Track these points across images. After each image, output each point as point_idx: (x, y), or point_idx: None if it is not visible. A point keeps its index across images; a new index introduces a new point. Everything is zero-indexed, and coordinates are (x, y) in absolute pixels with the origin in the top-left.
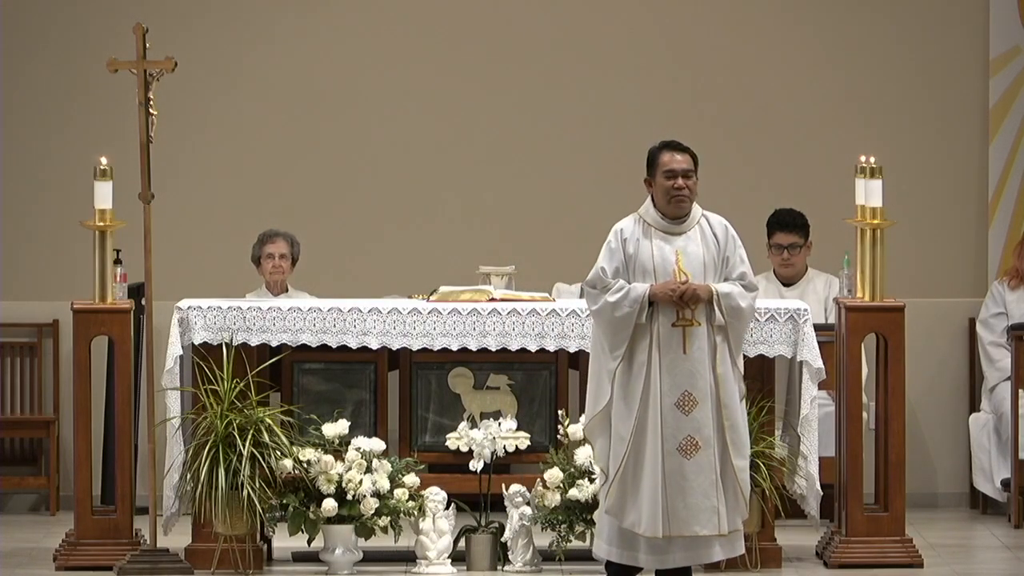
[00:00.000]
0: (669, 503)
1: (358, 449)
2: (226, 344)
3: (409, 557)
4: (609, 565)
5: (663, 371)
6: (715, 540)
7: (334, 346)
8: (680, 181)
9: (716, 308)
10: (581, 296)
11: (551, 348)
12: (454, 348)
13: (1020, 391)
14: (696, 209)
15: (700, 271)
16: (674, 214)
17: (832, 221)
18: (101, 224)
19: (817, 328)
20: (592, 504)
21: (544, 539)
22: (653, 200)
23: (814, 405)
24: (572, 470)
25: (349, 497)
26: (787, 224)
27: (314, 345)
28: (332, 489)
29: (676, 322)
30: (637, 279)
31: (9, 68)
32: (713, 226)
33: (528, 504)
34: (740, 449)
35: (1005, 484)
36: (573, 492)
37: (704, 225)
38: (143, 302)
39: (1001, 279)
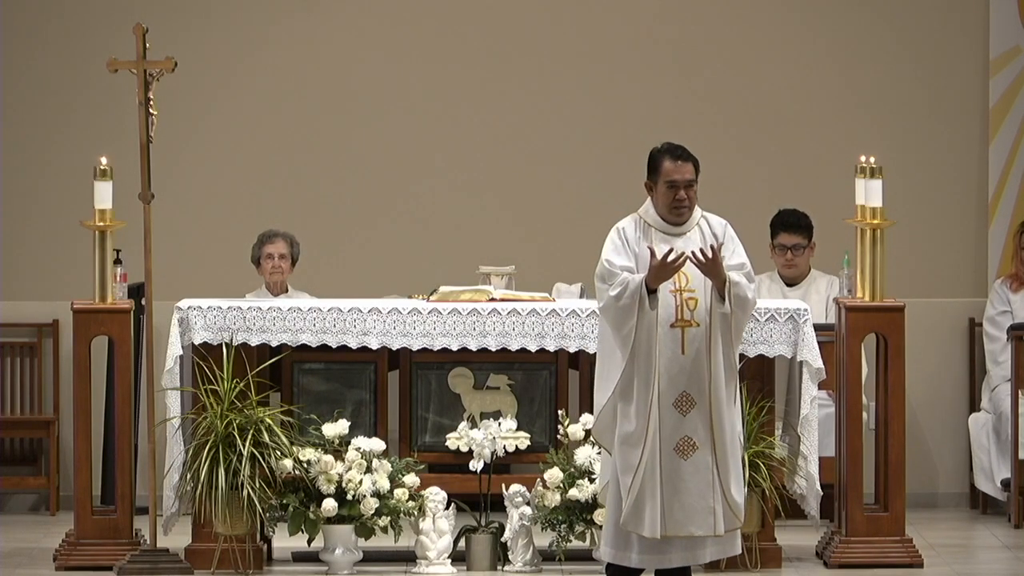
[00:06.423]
0: (666, 503)
1: (358, 449)
2: (226, 344)
3: (409, 557)
4: (608, 566)
5: (662, 372)
6: (709, 540)
7: (334, 346)
8: (682, 193)
9: (726, 297)
10: (582, 296)
11: (551, 348)
12: (454, 348)
13: (1020, 391)
14: (696, 210)
15: (698, 271)
16: (674, 222)
17: (832, 221)
18: (101, 224)
19: (818, 328)
20: (592, 504)
21: (544, 539)
22: (654, 203)
23: (814, 405)
24: (572, 470)
25: (349, 497)
26: (791, 225)
27: (314, 345)
28: (332, 489)
29: (675, 323)
30: None
31: (9, 68)
32: (712, 226)
33: (528, 504)
34: (735, 451)
35: (1005, 484)
36: (573, 492)
37: (704, 225)
38: (143, 302)
39: (1002, 281)
